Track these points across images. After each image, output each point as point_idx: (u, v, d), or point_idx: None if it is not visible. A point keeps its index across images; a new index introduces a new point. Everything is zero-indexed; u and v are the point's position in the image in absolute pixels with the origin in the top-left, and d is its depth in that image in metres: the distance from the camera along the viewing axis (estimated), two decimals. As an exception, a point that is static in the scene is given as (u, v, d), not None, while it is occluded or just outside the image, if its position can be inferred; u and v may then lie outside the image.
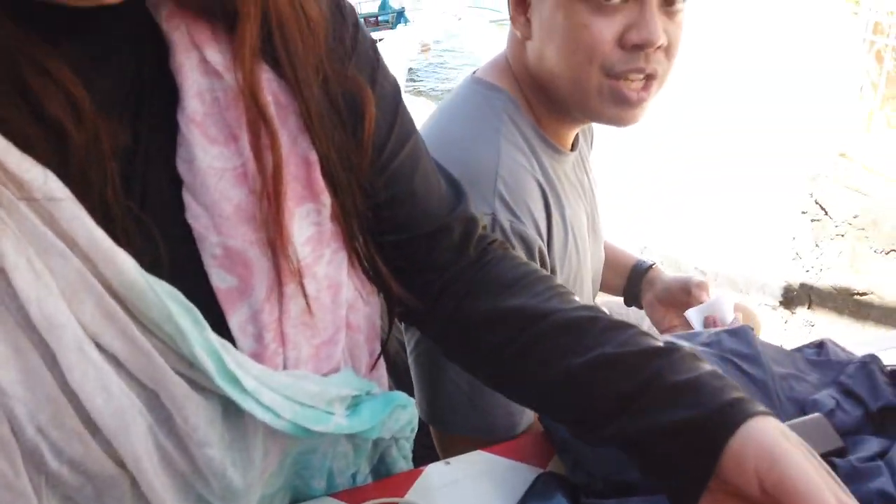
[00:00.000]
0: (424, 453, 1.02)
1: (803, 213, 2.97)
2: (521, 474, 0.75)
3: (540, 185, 0.93)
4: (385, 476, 0.79)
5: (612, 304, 1.43)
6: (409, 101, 0.73)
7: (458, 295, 0.67)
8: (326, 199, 0.59)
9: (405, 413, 0.75)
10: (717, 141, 3.33)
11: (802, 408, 0.72)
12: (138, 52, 0.53)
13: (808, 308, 2.78)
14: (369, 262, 0.66)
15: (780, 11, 3.39)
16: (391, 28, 10.07)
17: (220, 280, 0.56)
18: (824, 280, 2.79)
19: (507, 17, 0.95)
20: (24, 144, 0.44)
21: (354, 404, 0.68)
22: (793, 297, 2.88)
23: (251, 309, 0.57)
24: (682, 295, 1.10)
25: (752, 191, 3.12)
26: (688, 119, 3.38)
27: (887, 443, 0.65)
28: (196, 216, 0.54)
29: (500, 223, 0.86)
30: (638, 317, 1.41)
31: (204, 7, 0.52)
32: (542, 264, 0.94)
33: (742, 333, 0.81)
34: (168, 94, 0.53)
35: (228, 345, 0.55)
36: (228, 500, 0.60)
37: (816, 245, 2.91)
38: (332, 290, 0.63)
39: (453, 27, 11.28)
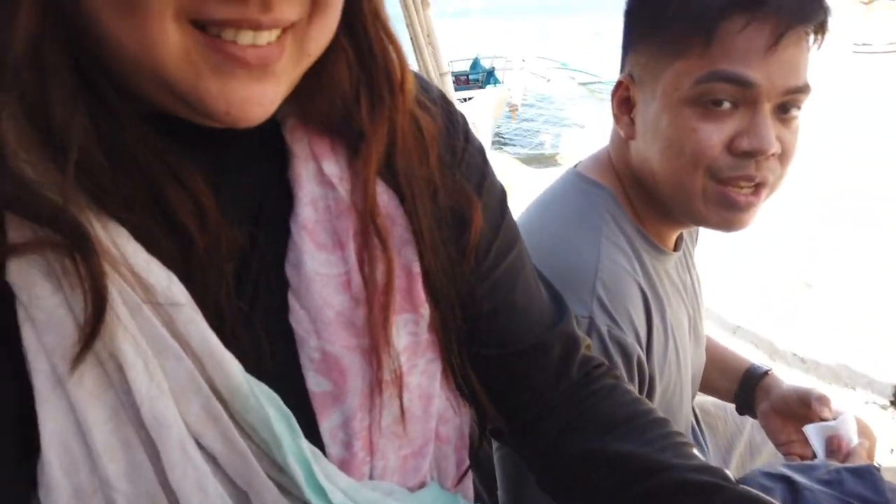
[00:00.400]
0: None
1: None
2: None
3: (641, 289, 0.88)
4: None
5: (706, 404, 1.34)
6: (493, 157, 0.71)
7: (560, 424, 0.63)
8: (426, 310, 0.58)
9: (486, 525, 0.71)
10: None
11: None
12: (263, 161, 0.54)
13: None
14: (463, 375, 0.63)
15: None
16: (481, 87, 10.26)
17: (316, 384, 0.55)
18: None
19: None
20: (151, 247, 0.46)
21: (439, 517, 0.65)
22: (904, 398, 2.64)
23: (343, 416, 0.56)
24: (801, 408, 1.02)
25: (857, 270, 2.92)
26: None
27: None
28: (299, 319, 0.54)
29: (597, 328, 0.82)
30: (737, 422, 1.31)
31: (328, 124, 0.53)
32: (641, 373, 0.89)
33: (867, 475, 0.73)
34: (285, 202, 0.54)
35: (319, 454, 0.54)
36: None
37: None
38: (424, 400, 0.61)
39: (543, 88, 11.40)
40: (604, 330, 0.82)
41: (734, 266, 3.24)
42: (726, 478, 0.54)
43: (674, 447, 0.57)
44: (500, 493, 0.92)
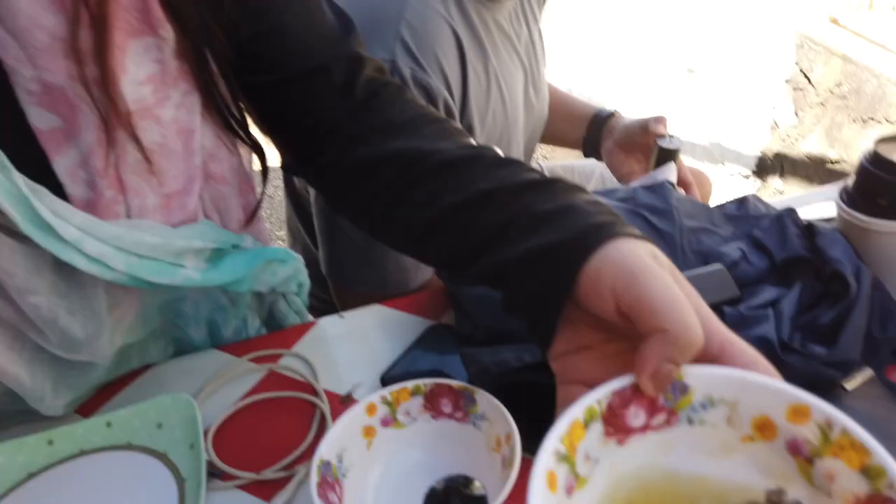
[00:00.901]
0: (325, 308, 1.00)
1: (787, 81, 2.85)
2: (414, 326, 0.73)
3: (455, 34, 0.84)
4: (278, 329, 0.77)
5: (556, 169, 1.38)
6: None
7: (343, 141, 0.61)
8: (168, 33, 0.52)
9: (285, 268, 0.71)
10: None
11: (707, 259, 0.69)
12: None
13: (781, 177, 2.74)
14: (226, 107, 0.59)
15: None
16: None
17: (40, 120, 0.50)
18: (799, 149, 2.73)
19: None
20: None
21: (216, 257, 0.64)
22: (766, 167, 2.82)
23: (80, 153, 0.52)
24: (643, 136, 1.03)
25: (736, 56, 2.98)
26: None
27: (782, 292, 0.62)
28: (4, 45, 0.47)
29: (399, 71, 0.79)
30: (585, 174, 1.36)
31: None
32: (449, 118, 0.88)
33: (659, 189, 0.77)
34: None
35: (43, 190, 0.50)
36: (70, 350, 0.57)
37: (796, 114, 2.81)
38: (183, 136, 0.57)
39: None
40: (406, 73, 0.79)
41: (619, 53, 3.23)
42: (491, 150, 0.54)
43: (448, 137, 0.56)
44: (319, 249, 0.93)
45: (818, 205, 0.81)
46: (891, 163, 0.60)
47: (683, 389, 0.35)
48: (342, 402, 0.65)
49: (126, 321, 0.62)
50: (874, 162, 0.61)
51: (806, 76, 2.80)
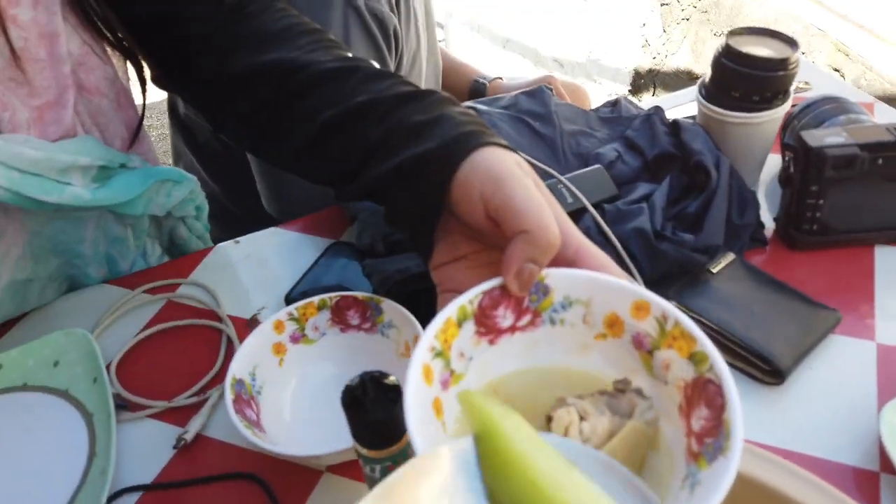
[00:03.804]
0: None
1: (654, -4, 2.95)
2: (314, 246, 0.73)
3: None
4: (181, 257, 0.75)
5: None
6: None
7: (215, 52, 0.58)
8: None
9: (180, 189, 0.69)
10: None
11: (586, 161, 0.73)
12: None
13: (653, 94, 2.88)
14: (89, 5, 0.56)
15: None
16: None
17: None
18: (669, 65, 2.86)
19: None
20: None
21: (105, 176, 0.62)
22: (640, 84, 2.96)
23: None
24: None
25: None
26: None
27: (654, 187, 0.67)
28: None
29: (354, 4, 0.77)
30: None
31: None
32: (398, 47, 0.86)
33: (539, 95, 0.80)
34: None
35: None
36: None
37: (664, 30, 2.94)
38: (46, 41, 0.54)
39: None
40: (360, 3, 0.77)
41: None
42: (367, 62, 0.54)
43: (324, 49, 0.55)
44: (259, 187, 0.90)
45: (684, 106, 0.87)
46: (742, 55, 0.65)
47: (545, 291, 0.39)
48: (248, 326, 0.65)
49: (13, 254, 0.59)
50: (727, 55, 0.67)
51: (672, -8, 2.91)
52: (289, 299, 0.67)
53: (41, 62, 0.53)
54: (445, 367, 0.36)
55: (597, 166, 0.70)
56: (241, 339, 0.63)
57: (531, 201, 0.39)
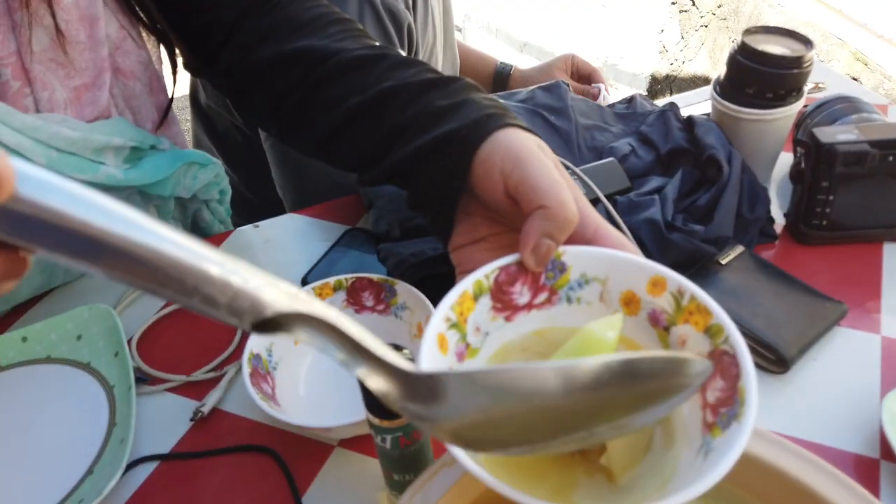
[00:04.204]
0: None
1: (673, 3, 2.96)
2: (331, 232, 0.75)
3: None
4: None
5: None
6: None
7: (245, 41, 0.60)
8: None
9: (205, 172, 0.71)
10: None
11: (601, 155, 0.74)
12: None
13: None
14: None
15: None
16: None
17: None
18: (686, 71, 2.87)
19: None
20: None
21: (135, 157, 0.64)
22: (657, 90, 2.96)
23: None
24: (544, 78, 1.08)
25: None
26: None
27: (667, 180, 0.68)
28: None
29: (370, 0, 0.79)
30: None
31: None
32: (410, 42, 0.88)
33: (555, 89, 0.81)
34: None
35: None
36: None
37: (682, 37, 2.94)
38: (86, 23, 0.56)
39: None
40: (377, 0, 0.79)
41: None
42: (394, 50, 0.55)
43: (353, 37, 0.57)
44: (274, 176, 0.93)
45: (699, 104, 0.88)
46: (757, 52, 0.66)
47: (562, 268, 0.40)
48: (265, 306, 0.67)
49: None
50: (742, 52, 0.67)
51: (691, -1, 2.92)
52: (305, 281, 0.68)
53: (81, 44, 0.55)
54: (461, 339, 0.37)
55: (610, 159, 0.71)
56: (258, 318, 0.64)
57: (550, 178, 0.40)
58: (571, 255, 0.39)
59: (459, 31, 3.11)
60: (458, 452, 0.29)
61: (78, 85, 0.57)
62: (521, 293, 0.39)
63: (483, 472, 0.29)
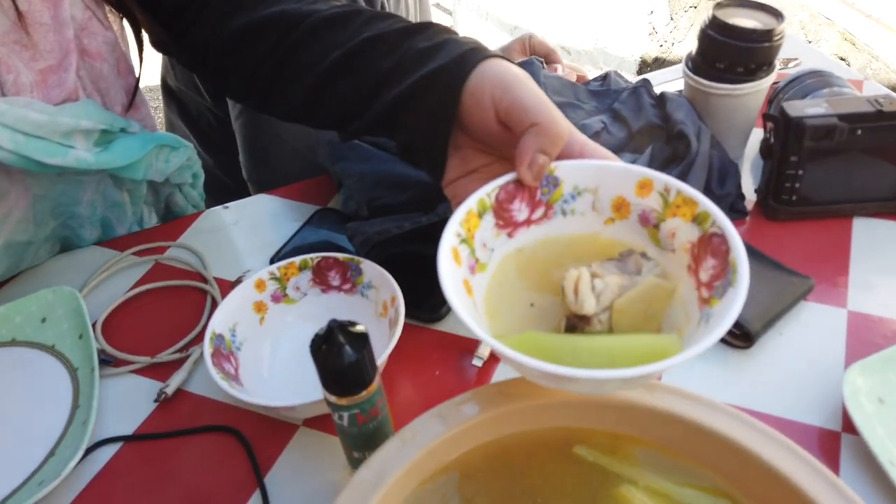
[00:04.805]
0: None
1: (662, -17, 2.94)
2: (302, 212, 0.74)
3: None
4: (174, 225, 0.76)
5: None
6: None
7: (216, 14, 0.59)
8: None
9: (177, 155, 0.71)
10: None
11: (572, 133, 0.73)
12: None
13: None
14: None
15: None
16: None
17: None
18: (676, 53, 2.85)
19: None
20: None
21: (105, 141, 0.63)
22: (647, 72, 2.94)
23: None
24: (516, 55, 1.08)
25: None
26: None
27: (637, 157, 0.68)
28: None
29: None
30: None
31: None
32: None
33: (528, 66, 0.80)
34: None
35: None
36: None
37: (671, 18, 2.92)
38: (50, 4, 0.55)
39: None
40: None
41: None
42: (367, 7, 0.55)
43: (324, 0, 0.57)
44: (241, 158, 0.92)
45: (674, 81, 0.87)
46: (727, 26, 0.65)
47: (555, 183, 0.42)
48: (233, 288, 0.66)
49: (15, 216, 0.60)
50: (713, 26, 0.67)
51: (679, -22, 2.89)
52: (274, 261, 0.68)
53: (45, 25, 0.54)
54: (471, 254, 0.40)
55: (581, 137, 0.70)
56: (226, 299, 0.64)
57: (539, 98, 0.43)
58: (563, 169, 0.42)
59: (450, 14, 3.09)
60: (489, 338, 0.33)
61: (43, 67, 0.56)
62: (520, 210, 0.42)
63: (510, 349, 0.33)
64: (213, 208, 0.76)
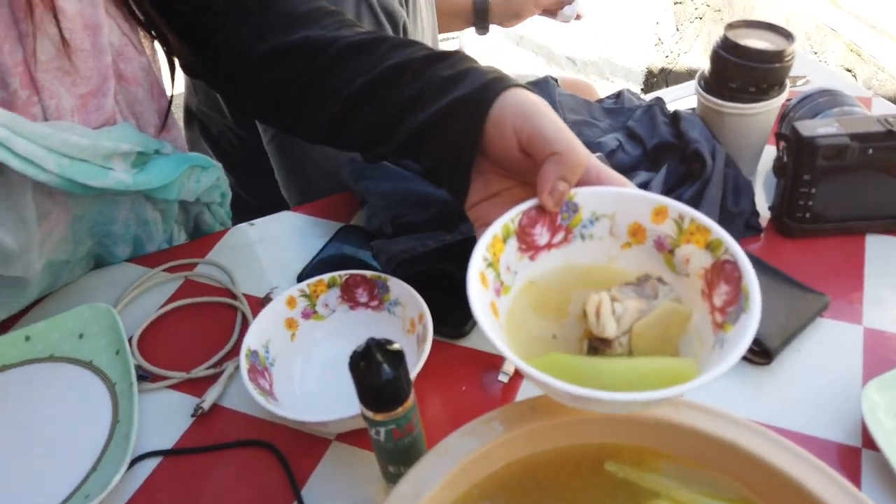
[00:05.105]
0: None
1: (667, -5, 2.96)
2: (326, 229, 0.76)
3: None
4: (203, 242, 0.78)
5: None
6: None
7: (244, 39, 0.62)
8: None
9: (207, 175, 0.73)
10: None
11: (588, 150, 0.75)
12: None
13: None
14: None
15: None
16: None
17: None
18: (682, 63, 2.87)
19: None
20: None
21: (141, 162, 0.65)
22: (653, 83, 2.96)
23: None
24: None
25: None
26: None
27: (653, 175, 0.70)
28: None
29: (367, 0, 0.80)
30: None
31: None
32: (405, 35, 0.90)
33: (543, 84, 0.82)
34: None
35: None
36: (3, 264, 0.58)
37: (677, 29, 2.95)
38: (91, 31, 0.57)
39: None
40: (374, 0, 0.81)
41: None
42: (391, 35, 0.58)
43: (347, 26, 0.59)
44: (277, 176, 0.94)
45: (686, 99, 0.89)
46: (739, 47, 0.67)
47: (574, 208, 0.45)
48: (261, 304, 0.68)
49: (56, 235, 0.62)
50: (725, 47, 0.69)
51: (685, -10, 2.92)
52: (301, 278, 0.70)
53: (85, 52, 0.56)
54: (496, 277, 0.42)
55: (598, 154, 0.72)
56: (255, 316, 0.66)
57: (559, 128, 0.45)
58: (582, 195, 0.44)
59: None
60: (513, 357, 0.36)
61: (84, 92, 0.58)
62: (541, 234, 0.45)
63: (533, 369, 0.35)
64: (238, 225, 0.79)
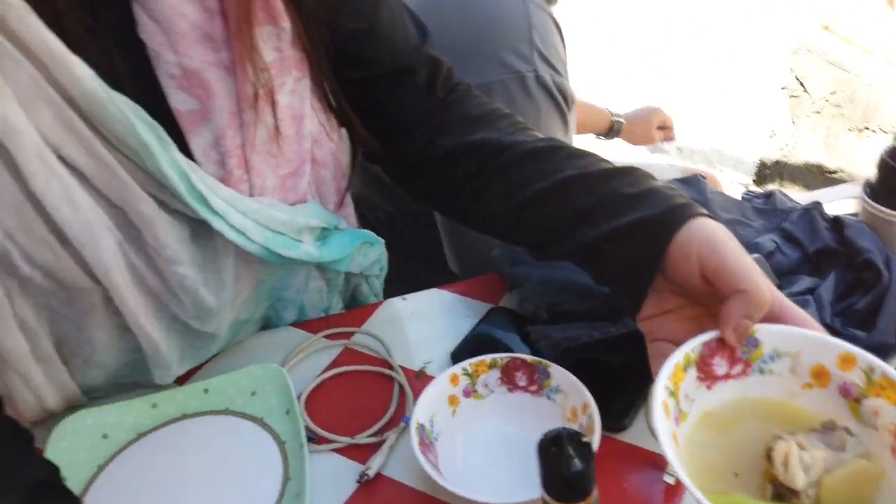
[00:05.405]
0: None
1: (783, 88, 2.94)
2: (475, 309, 0.79)
3: (556, 25, 0.91)
4: (357, 311, 0.83)
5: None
6: None
7: (426, 134, 0.68)
8: (286, 23, 0.59)
9: (373, 251, 0.78)
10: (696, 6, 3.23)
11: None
12: None
13: (780, 185, 2.83)
14: (334, 95, 0.66)
15: None
16: None
17: (180, 102, 0.56)
18: (797, 157, 2.81)
19: None
20: None
21: (323, 237, 0.71)
22: (766, 175, 2.91)
23: (213, 134, 0.58)
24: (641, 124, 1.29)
25: (732, 63, 3.07)
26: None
27: (819, 281, 0.69)
28: (149, 32, 0.53)
29: (542, 80, 0.86)
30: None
31: None
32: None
33: (694, 182, 0.84)
34: None
35: (195, 166, 0.56)
36: (202, 320, 0.63)
37: (793, 122, 2.90)
38: (296, 121, 0.64)
39: None
40: (548, 80, 0.86)
41: (619, 59, 3.31)
42: (564, 143, 0.62)
43: (522, 131, 0.64)
44: (446, 251, 1.00)
45: (840, 202, 0.88)
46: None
47: (755, 344, 0.45)
48: (417, 378, 0.71)
49: (243, 295, 0.68)
50: (893, 156, 0.69)
51: (801, 83, 2.89)
52: (455, 356, 0.72)
53: (290, 138, 0.63)
54: (676, 406, 0.43)
55: (757, 255, 0.72)
56: (412, 388, 0.68)
57: (745, 265, 0.46)
58: (764, 332, 0.45)
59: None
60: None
61: (285, 173, 0.64)
62: (720, 365, 0.45)
63: None
64: (391, 299, 0.82)
